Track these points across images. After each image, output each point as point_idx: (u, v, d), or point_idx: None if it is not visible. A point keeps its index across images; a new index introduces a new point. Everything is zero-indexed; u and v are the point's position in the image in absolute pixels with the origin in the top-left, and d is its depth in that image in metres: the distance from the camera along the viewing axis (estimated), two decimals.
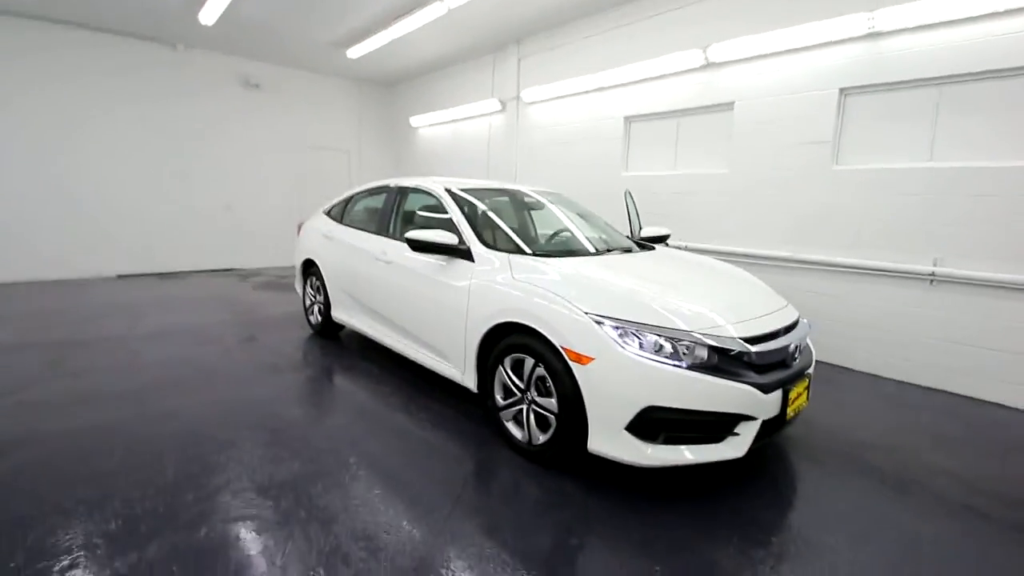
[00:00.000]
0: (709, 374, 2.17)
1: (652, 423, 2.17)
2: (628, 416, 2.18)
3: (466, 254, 3.03)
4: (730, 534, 2.11)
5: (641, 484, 2.42)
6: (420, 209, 3.73)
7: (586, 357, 2.26)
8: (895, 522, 2.25)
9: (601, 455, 2.30)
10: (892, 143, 4.04)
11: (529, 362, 2.55)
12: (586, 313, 2.33)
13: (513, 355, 2.64)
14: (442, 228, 3.14)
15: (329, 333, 4.68)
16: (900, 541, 2.12)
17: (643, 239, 3.85)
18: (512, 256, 2.87)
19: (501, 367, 2.72)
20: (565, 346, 2.34)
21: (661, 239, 3.86)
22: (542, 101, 6.81)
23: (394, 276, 3.56)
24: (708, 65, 4.99)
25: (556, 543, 2.02)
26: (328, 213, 4.78)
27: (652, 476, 2.48)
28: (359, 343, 4.58)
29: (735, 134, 4.90)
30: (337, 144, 9.63)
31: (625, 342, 2.22)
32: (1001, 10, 3.43)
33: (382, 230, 3.91)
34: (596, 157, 6.20)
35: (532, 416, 2.59)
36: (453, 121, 8.53)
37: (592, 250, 3.24)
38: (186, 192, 8.06)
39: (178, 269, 8.11)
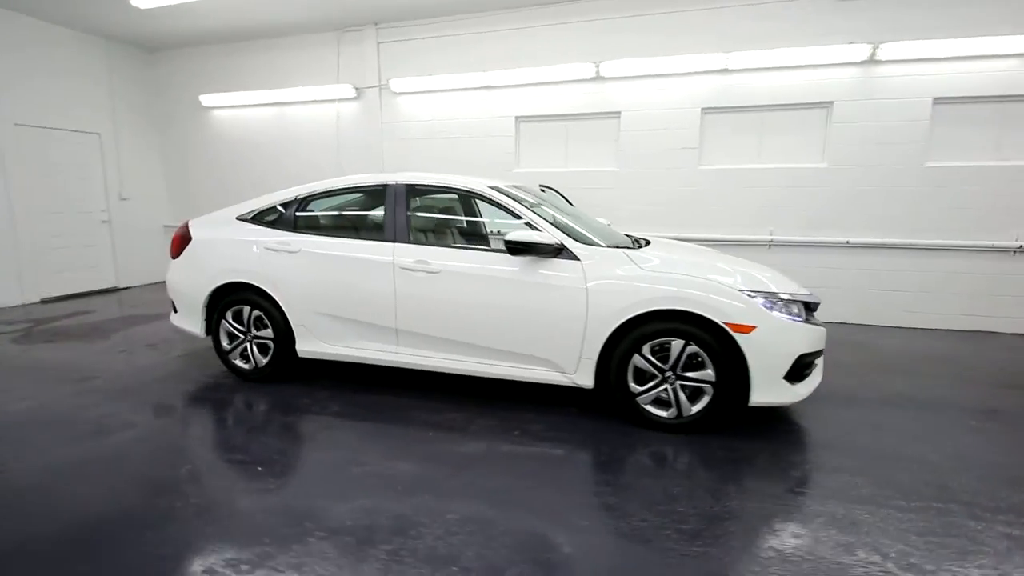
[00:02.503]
0: (809, 323, 2.90)
1: (797, 368, 2.78)
2: (786, 366, 2.74)
3: (559, 252, 2.99)
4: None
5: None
6: (443, 210, 3.36)
7: (748, 327, 2.70)
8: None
9: (762, 405, 2.79)
10: (736, 150, 5.64)
11: (676, 344, 2.81)
12: (740, 291, 2.75)
13: (653, 341, 2.84)
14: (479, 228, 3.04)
15: (280, 374, 3.64)
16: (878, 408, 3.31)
17: None
18: (623, 251, 3.01)
19: (638, 355, 2.87)
20: (728, 321, 2.71)
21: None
22: (418, 93, 6.49)
23: (446, 286, 3.15)
24: (598, 78, 5.79)
25: (787, 480, 2.44)
26: (256, 220, 3.68)
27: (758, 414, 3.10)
28: (336, 378, 3.74)
29: (622, 139, 5.88)
30: (76, 124, 6.81)
31: (772, 308, 2.75)
32: (794, 65, 5.24)
33: (398, 235, 3.32)
34: (487, 154, 6.35)
35: (681, 392, 2.85)
36: (278, 104, 7.17)
37: (631, 243, 3.59)
38: None
39: None
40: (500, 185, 3.41)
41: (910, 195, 5.16)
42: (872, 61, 5.02)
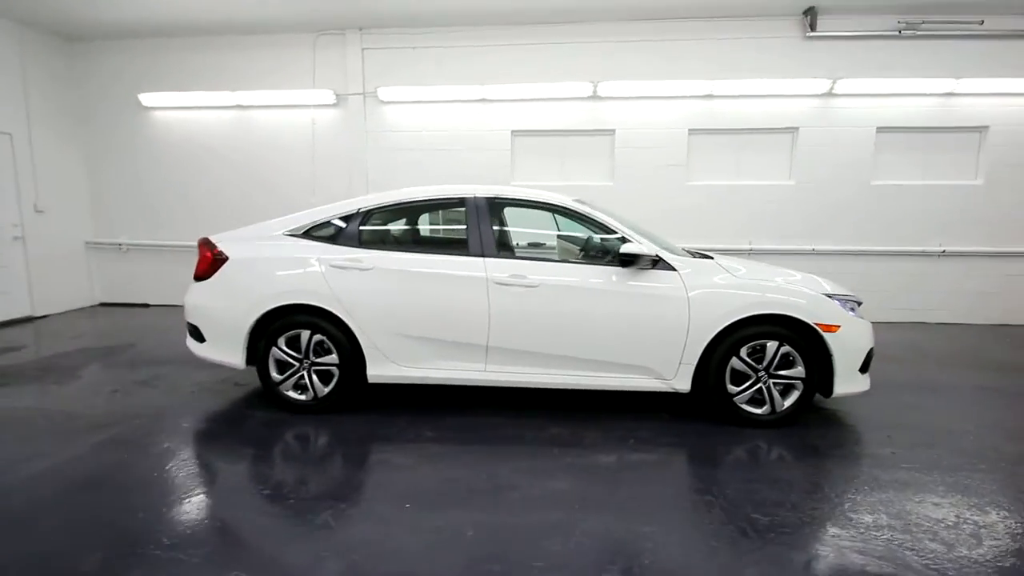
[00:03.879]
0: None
1: (867, 360, 3.17)
2: (861, 359, 3.11)
3: (655, 264, 3.12)
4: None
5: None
6: (527, 223, 3.34)
7: (835, 326, 3.03)
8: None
9: (843, 395, 3.12)
10: (719, 168, 6.21)
11: (771, 345, 3.06)
12: (824, 295, 3.08)
13: (750, 343, 3.07)
14: (571, 239, 3.21)
15: (338, 405, 3.32)
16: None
17: None
18: (716, 260, 3.22)
19: (736, 358, 3.08)
20: (819, 322, 3.01)
21: None
22: (407, 102, 6.28)
23: (544, 300, 3.13)
24: (595, 97, 6.05)
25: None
26: (309, 235, 3.35)
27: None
28: (392, 404, 3.51)
29: (617, 155, 6.20)
30: None
31: (848, 309, 3.11)
32: (768, 94, 5.92)
33: (486, 250, 3.22)
34: (481, 166, 6.32)
35: (774, 390, 3.11)
36: (240, 108, 6.51)
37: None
38: None
39: None
40: (581, 200, 3.46)
41: (860, 209, 6.05)
42: (830, 94, 5.85)
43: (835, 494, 2.42)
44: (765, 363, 3.09)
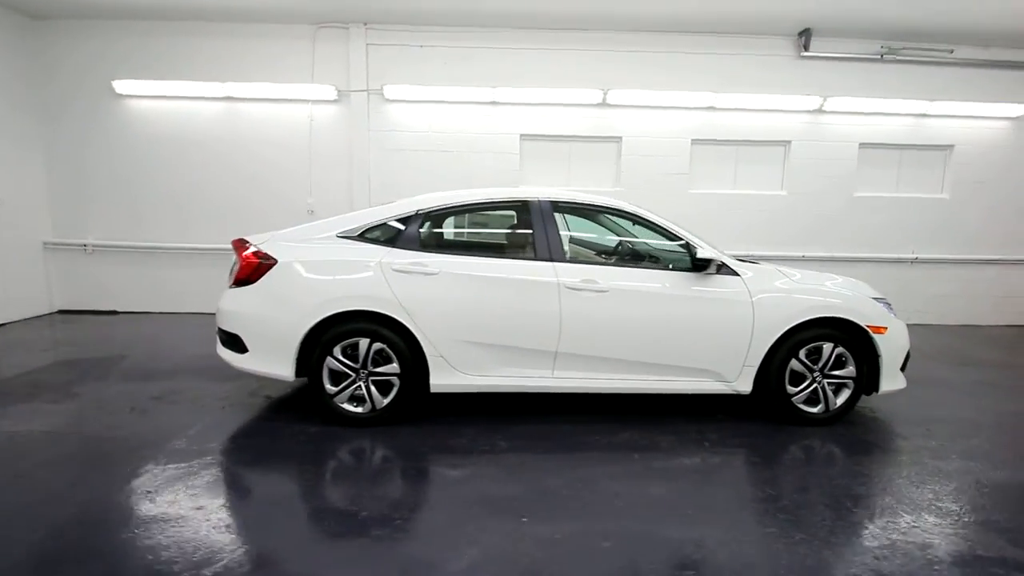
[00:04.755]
0: None
1: (906, 360, 3.39)
2: (902, 359, 3.33)
3: (720, 268, 3.20)
4: None
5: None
6: (589, 227, 3.34)
7: (883, 328, 3.23)
8: None
9: (887, 392, 3.32)
10: (718, 176, 6.47)
11: (827, 346, 3.21)
12: (871, 298, 3.27)
13: (809, 345, 3.20)
14: (636, 244, 3.35)
15: (394, 416, 3.15)
16: None
17: None
18: (775, 265, 3.34)
19: (795, 359, 3.21)
20: (870, 324, 3.20)
21: None
22: (414, 101, 6.11)
23: (615, 305, 3.13)
24: (604, 104, 6.14)
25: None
26: (365, 238, 3.17)
27: None
28: (447, 413, 3.39)
29: (623, 162, 6.32)
30: None
31: (890, 311, 3.32)
32: (764, 108, 6.24)
33: (554, 254, 3.18)
34: (489, 169, 6.25)
35: (828, 389, 3.26)
36: (229, 99, 6.09)
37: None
38: None
39: None
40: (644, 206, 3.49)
41: (845, 219, 6.49)
42: (820, 111, 6.24)
43: (915, 484, 2.57)
44: (821, 364, 3.24)
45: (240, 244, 3.21)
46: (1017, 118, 6.30)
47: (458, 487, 2.54)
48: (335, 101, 6.12)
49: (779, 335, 3.16)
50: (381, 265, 3.07)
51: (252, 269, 3.10)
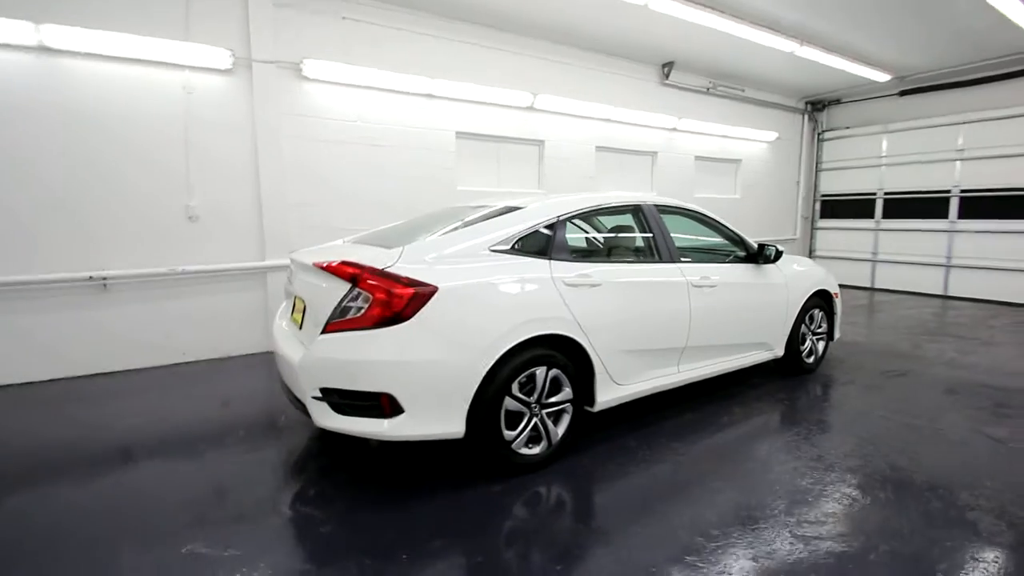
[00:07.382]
0: None
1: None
2: (840, 314, 4.71)
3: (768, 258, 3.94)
4: None
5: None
6: (674, 228, 3.62)
7: (837, 294, 4.51)
8: None
9: (837, 339, 4.64)
10: (617, 181, 7.40)
11: (818, 312, 4.31)
12: (828, 273, 4.52)
13: (811, 312, 4.24)
14: (717, 243, 3.85)
15: (563, 449, 2.86)
16: None
17: None
18: (785, 254, 4.23)
19: (803, 325, 4.21)
20: (833, 292, 4.42)
21: None
22: (342, 84, 5.07)
23: (720, 297, 3.52)
24: (531, 108, 6.31)
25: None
26: (516, 250, 2.74)
27: None
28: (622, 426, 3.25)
29: (545, 164, 6.64)
30: None
31: None
32: (643, 124, 7.44)
33: (672, 255, 3.35)
34: (424, 168, 5.72)
35: (820, 344, 4.37)
36: (46, 50, 3.93)
37: None
38: None
39: None
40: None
41: None
42: (675, 130, 7.80)
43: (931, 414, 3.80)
44: (814, 325, 4.32)
45: (376, 272, 2.35)
46: (772, 141, 9.16)
47: (694, 506, 2.54)
48: (228, 71, 4.60)
49: (800, 307, 4.09)
50: (554, 280, 2.71)
51: (405, 303, 2.32)
